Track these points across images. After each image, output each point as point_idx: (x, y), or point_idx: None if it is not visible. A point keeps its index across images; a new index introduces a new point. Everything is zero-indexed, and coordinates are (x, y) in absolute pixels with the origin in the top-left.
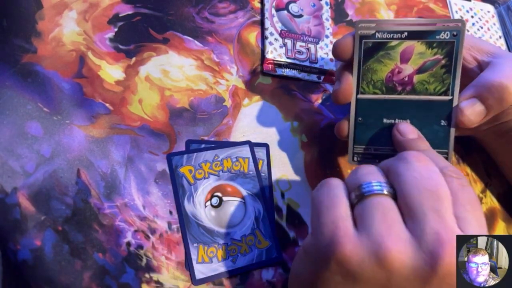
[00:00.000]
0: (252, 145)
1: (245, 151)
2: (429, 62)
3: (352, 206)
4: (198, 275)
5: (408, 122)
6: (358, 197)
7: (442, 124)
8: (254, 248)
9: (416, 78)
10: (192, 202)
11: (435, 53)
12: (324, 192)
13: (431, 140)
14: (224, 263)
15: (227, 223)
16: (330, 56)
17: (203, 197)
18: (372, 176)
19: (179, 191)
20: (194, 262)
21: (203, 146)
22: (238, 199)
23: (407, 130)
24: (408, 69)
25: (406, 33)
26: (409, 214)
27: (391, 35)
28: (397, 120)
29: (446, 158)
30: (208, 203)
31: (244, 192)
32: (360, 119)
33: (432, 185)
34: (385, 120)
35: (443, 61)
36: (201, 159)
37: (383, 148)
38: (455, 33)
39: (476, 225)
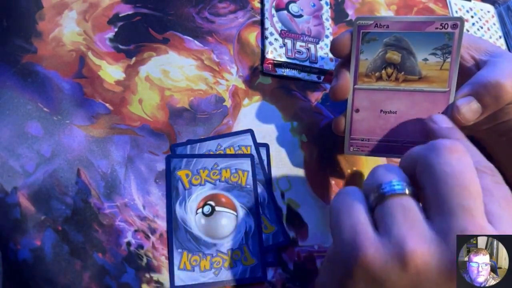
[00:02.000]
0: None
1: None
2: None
3: (372, 209)
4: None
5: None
6: (378, 198)
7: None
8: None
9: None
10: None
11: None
12: (340, 199)
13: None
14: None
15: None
16: (330, 56)
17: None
18: (392, 175)
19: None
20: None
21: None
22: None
23: (441, 119)
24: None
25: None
26: (436, 210)
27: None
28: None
29: None
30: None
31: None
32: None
33: (464, 181)
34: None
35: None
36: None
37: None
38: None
39: (510, 222)
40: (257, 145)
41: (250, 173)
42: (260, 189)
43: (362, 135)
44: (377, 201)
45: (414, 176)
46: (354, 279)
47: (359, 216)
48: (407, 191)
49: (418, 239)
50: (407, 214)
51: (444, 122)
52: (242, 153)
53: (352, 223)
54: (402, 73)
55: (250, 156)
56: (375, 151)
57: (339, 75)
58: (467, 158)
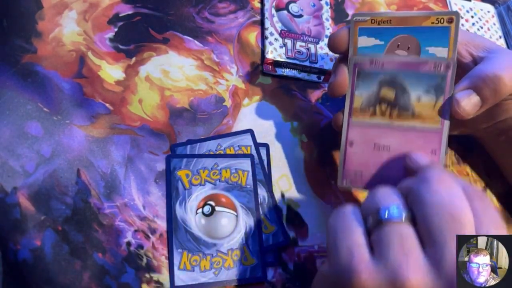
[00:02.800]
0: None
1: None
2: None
3: (370, 231)
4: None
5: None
6: (376, 222)
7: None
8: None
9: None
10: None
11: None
12: (338, 219)
13: None
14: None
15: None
16: (330, 56)
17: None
18: (390, 200)
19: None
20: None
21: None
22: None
23: (419, 157)
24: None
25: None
26: (429, 241)
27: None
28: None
29: None
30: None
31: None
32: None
33: (454, 209)
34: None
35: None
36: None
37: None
38: (449, 20)
39: None
40: (257, 145)
41: (250, 173)
42: (260, 189)
43: (356, 168)
44: (375, 224)
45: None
46: None
47: (356, 238)
48: (404, 218)
49: (413, 267)
50: (404, 241)
51: (422, 160)
52: (242, 153)
53: (348, 244)
54: (396, 108)
55: (250, 156)
56: (368, 186)
57: (337, 71)
58: (456, 187)
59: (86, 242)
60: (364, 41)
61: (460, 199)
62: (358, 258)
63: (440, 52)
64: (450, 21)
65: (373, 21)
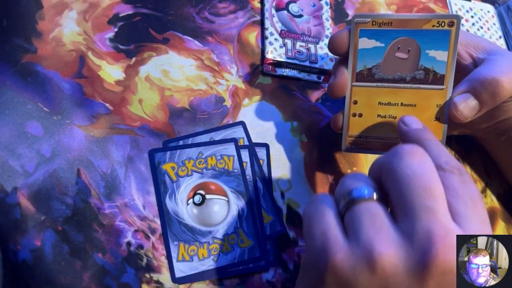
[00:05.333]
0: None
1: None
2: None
3: (342, 215)
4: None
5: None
6: (347, 204)
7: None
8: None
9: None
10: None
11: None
12: (312, 206)
13: None
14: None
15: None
16: (330, 56)
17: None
18: (359, 182)
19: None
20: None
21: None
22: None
23: (412, 120)
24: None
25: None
26: (401, 213)
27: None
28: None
29: None
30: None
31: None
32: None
33: (425, 182)
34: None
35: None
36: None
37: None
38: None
39: (477, 222)
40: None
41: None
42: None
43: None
44: (346, 207)
45: (381, 183)
46: (326, 284)
47: (329, 221)
48: (374, 196)
49: (385, 242)
50: (374, 218)
51: (414, 124)
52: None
53: (322, 229)
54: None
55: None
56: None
57: (337, 72)
58: (427, 160)
59: (86, 242)
60: (364, 43)
61: (431, 172)
62: (332, 240)
63: (440, 55)
64: (451, 24)
65: (374, 23)
